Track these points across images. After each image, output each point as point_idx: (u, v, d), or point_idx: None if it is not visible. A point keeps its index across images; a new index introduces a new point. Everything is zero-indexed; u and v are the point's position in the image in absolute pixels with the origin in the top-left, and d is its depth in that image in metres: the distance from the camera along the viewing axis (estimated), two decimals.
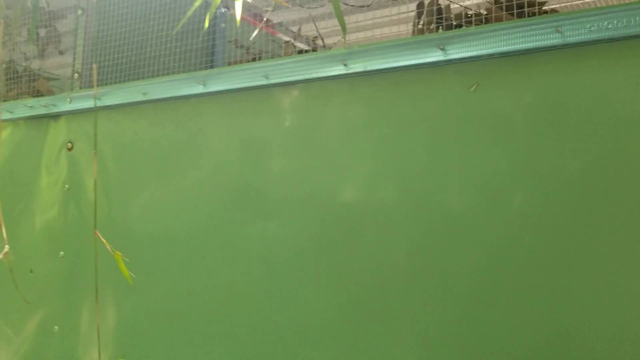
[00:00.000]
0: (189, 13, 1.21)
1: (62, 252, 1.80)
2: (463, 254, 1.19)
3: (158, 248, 1.61)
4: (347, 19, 2.42)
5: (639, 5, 1.04)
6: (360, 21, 2.35)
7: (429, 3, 1.57)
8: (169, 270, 1.59)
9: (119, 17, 1.80)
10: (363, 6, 2.25)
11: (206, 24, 1.27)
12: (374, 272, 1.28)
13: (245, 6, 2.39)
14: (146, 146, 1.65)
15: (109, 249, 1.10)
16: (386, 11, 2.30)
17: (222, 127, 1.52)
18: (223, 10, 2.30)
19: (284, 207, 1.42)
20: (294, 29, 2.62)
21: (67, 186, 1.81)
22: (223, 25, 2.30)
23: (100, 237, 1.14)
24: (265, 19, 1.66)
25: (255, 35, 2.21)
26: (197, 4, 1.19)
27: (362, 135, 1.32)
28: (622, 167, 1.04)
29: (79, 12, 1.84)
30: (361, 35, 2.28)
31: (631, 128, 1.04)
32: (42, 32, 2.18)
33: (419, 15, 1.60)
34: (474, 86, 1.20)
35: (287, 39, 2.57)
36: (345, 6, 2.28)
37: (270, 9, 2.29)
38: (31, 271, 1.88)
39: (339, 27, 2.52)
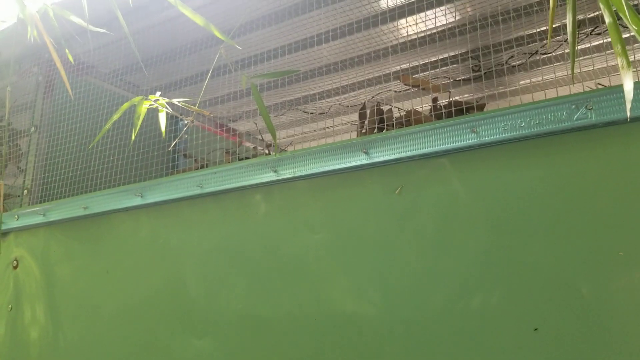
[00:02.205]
0: (115, 117, 1.21)
1: None
2: None
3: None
4: (308, 127, 2.47)
5: (550, 102, 1.03)
6: (322, 128, 2.39)
7: (370, 109, 1.59)
8: None
9: (74, 133, 1.82)
10: (322, 113, 2.28)
11: (133, 136, 1.26)
12: None
13: (209, 117, 2.44)
14: (84, 262, 1.60)
15: None
16: (345, 118, 2.35)
17: (158, 240, 1.48)
18: (185, 121, 2.34)
19: (220, 324, 1.34)
20: (262, 136, 2.66)
21: (10, 306, 1.74)
22: (186, 136, 2.33)
23: None
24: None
25: (213, 144, 2.23)
26: (115, 116, 1.20)
27: (292, 243, 1.28)
28: (530, 260, 0.99)
29: (32, 129, 1.87)
30: (322, 141, 2.32)
31: (547, 230, 1.00)
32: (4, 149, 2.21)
33: (361, 119, 1.62)
34: (398, 189, 1.17)
35: (253, 146, 2.60)
36: (305, 114, 2.32)
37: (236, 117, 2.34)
38: None
39: (307, 134, 2.56)
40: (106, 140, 1.75)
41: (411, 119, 1.21)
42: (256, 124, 2.21)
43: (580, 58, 1.84)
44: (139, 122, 1.25)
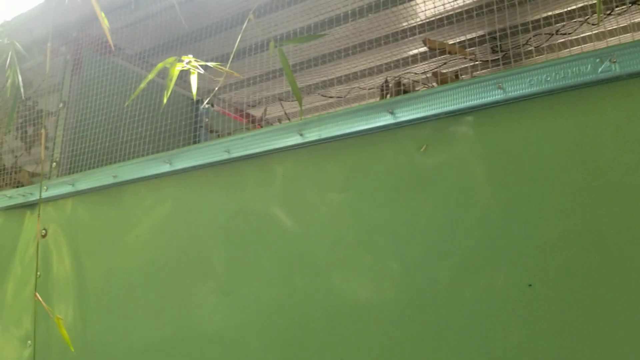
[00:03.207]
0: (150, 76, 1.25)
1: (29, 341, 1.74)
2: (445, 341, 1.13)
3: (123, 324, 1.55)
4: (326, 112, 2.51)
5: (574, 57, 1.06)
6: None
7: (394, 82, 1.62)
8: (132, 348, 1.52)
9: (100, 109, 1.87)
10: (340, 97, 2.32)
11: (165, 99, 1.30)
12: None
13: (229, 102, 2.48)
14: (113, 228, 1.64)
15: (49, 312, 1.06)
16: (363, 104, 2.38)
17: (186, 204, 1.52)
18: (207, 106, 2.39)
19: (248, 281, 1.37)
20: (289, 119, 2.70)
21: (39, 273, 1.78)
22: (207, 119, 2.38)
23: (40, 299, 1.11)
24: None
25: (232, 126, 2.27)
26: (151, 75, 1.24)
27: (319, 203, 1.31)
28: (561, 215, 1.01)
29: (60, 105, 1.91)
30: None
31: (574, 179, 1.02)
32: (31, 130, 2.26)
33: (384, 92, 1.65)
34: (424, 147, 1.20)
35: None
36: (324, 99, 2.36)
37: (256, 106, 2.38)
38: None
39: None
40: (133, 113, 1.79)
41: (438, 80, 1.24)
42: (282, 105, 2.25)
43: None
44: (172, 84, 1.30)
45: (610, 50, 1.03)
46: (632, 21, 1.78)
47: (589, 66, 1.04)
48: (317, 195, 1.32)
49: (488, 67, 2.04)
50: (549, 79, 1.08)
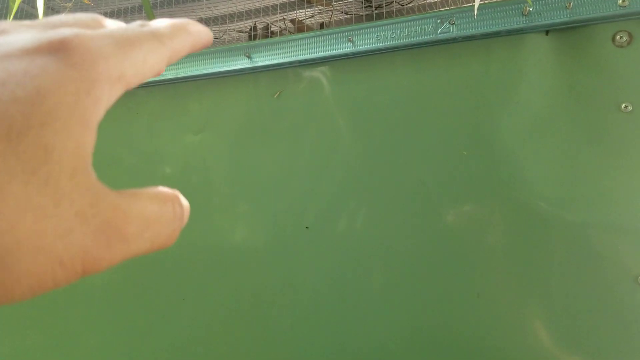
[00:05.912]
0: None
1: None
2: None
3: None
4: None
5: (418, 17, 1.11)
6: None
7: (262, 28, 1.62)
8: None
9: None
10: (217, 38, 2.27)
11: (11, 16, 1.21)
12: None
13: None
14: None
15: None
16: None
17: None
18: None
19: None
20: None
21: None
22: None
23: None
24: None
25: None
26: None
27: (174, 144, 1.30)
28: (389, 160, 1.09)
29: None
30: None
31: (406, 132, 1.10)
32: None
33: (251, 36, 1.64)
34: (277, 93, 1.22)
35: None
36: None
37: None
38: None
39: None
40: None
41: (295, 28, 1.26)
42: None
43: None
44: (16, 6, 1.21)
45: (451, 12, 1.10)
46: None
47: (430, 26, 1.11)
48: (175, 134, 1.31)
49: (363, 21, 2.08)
50: (394, 35, 1.13)
